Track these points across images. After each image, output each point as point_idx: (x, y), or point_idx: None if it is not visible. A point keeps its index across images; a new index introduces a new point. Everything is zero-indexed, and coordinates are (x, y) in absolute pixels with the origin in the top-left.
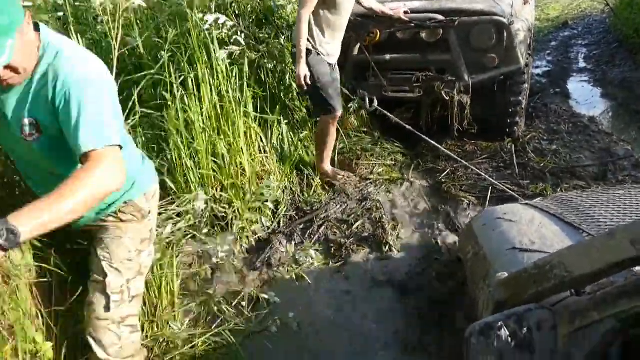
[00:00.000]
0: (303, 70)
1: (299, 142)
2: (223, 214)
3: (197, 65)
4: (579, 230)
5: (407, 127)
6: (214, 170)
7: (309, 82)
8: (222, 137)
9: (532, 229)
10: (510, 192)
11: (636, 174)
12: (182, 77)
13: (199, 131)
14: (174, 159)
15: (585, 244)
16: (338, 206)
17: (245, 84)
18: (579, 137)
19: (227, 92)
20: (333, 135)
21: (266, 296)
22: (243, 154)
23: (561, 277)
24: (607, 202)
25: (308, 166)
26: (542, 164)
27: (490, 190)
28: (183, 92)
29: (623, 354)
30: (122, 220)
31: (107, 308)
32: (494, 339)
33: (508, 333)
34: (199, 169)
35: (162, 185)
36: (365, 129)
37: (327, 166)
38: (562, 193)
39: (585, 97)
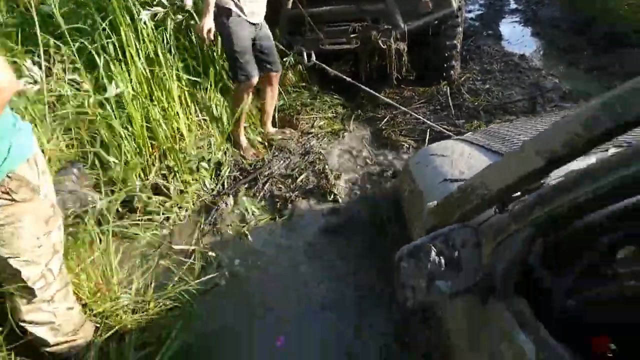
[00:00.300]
0: (207, 24)
1: None
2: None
3: (119, 30)
4: None
5: (347, 79)
6: (150, 138)
7: (212, 37)
8: (155, 102)
9: (462, 161)
10: (447, 132)
11: (563, 104)
12: (99, 44)
13: (129, 98)
14: (104, 131)
15: (501, 161)
16: (281, 162)
17: (174, 46)
18: (510, 75)
19: (157, 55)
20: (271, 99)
21: (214, 254)
22: (179, 118)
23: (482, 195)
24: (530, 129)
25: (248, 128)
26: (476, 103)
27: (428, 133)
28: (107, 58)
29: (543, 262)
30: (14, 201)
31: (34, 295)
32: (425, 261)
33: (436, 252)
34: (134, 138)
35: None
36: (304, 84)
37: (269, 127)
38: (490, 126)
39: (517, 37)
